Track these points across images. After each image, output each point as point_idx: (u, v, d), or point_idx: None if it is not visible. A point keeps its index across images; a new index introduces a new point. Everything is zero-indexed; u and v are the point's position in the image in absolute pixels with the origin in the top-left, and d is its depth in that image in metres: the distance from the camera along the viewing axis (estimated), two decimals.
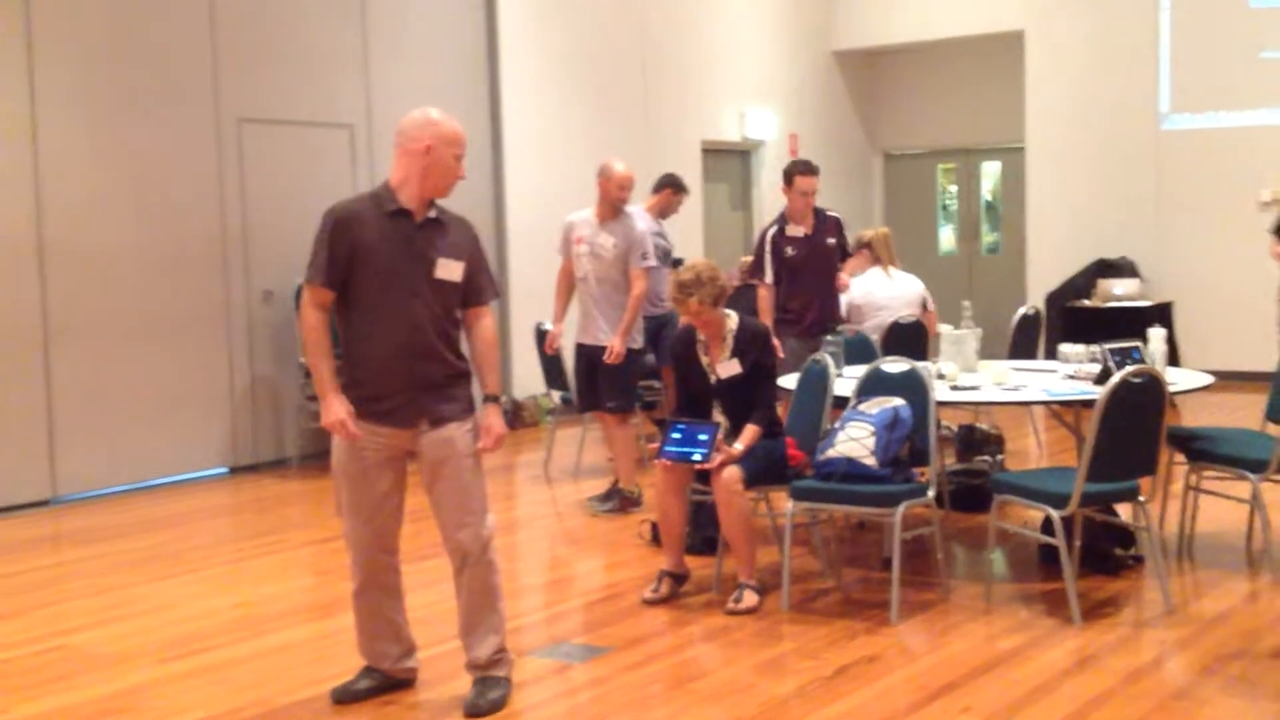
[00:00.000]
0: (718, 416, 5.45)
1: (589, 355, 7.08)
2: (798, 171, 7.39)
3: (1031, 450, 8.39)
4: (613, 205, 7.01)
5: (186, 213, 8.40)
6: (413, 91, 9.37)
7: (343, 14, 9.20)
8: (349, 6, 9.23)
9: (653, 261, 7.14)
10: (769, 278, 7.42)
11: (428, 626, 4.79)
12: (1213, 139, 11.32)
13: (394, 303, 4.02)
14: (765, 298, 7.44)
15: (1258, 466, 5.53)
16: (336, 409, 4.03)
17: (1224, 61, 11.21)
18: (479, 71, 10.00)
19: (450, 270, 4.08)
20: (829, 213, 7.58)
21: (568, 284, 7.21)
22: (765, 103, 12.30)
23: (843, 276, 7.60)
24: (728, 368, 5.41)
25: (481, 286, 4.19)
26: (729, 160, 12.31)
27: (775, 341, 7.26)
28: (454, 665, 4.39)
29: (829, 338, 6.53)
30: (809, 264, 7.39)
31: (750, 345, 5.42)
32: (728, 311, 5.48)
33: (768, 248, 7.44)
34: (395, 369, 4.05)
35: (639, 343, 7.19)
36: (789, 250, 7.40)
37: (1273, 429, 5.71)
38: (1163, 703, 4.13)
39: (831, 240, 7.47)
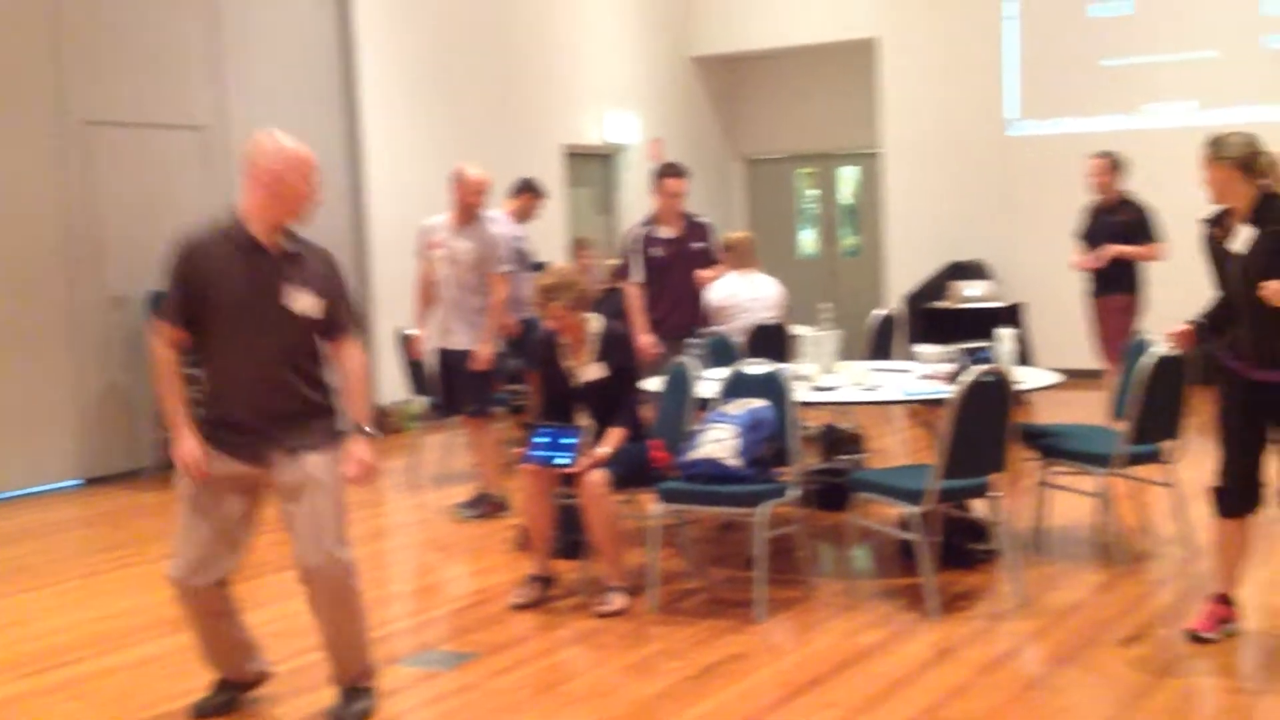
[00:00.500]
0: (582, 420, 5.46)
1: (448, 360, 7.04)
2: (666, 174, 7.47)
3: (892, 449, 8.57)
4: (468, 210, 6.99)
5: (29, 220, 8.12)
6: (267, 93, 9.22)
7: (194, 13, 8.99)
8: (200, 5, 9.02)
9: (509, 267, 7.14)
10: (638, 277, 7.47)
11: (291, 639, 4.72)
12: (1057, 145, 11.69)
13: (246, 338, 3.94)
14: (635, 296, 7.49)
15: (1104, 461, 5.74)
16: (188, 446, 3.94)
17: (1066, 70, 11.60)
18: (335, 72, 9.86)
19: (304, 304, 3.97)
20: (698, 218, 7.66)
21: (427, 289, 7.16)
22: (627, 107, 12.36)
23: (702, 273, 7.64)
24: (591, 371, 5.43)
25: (340, 320, 4.08)
26: (592, 164, 12.35)
27: (649, 338, 7.38)
28: (318, 677, 4.32)
29: (692, 340, 6.60)
30: (675, 266, 7.46)
31: (614, 349, 5.45)
32: (591, 315, 5.50)
33: (635, 248, 7.49)
34: (247, 403, 3.97)
35: (498, 346, 7.17)
36: (655, 251, 7.46)
37: (1118, 425, 5.92)
38: (1017, 692, 4.26)
39: (699, 245, 7.54)
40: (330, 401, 4.09)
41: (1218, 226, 4.59)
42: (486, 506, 7.00)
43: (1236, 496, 4.62)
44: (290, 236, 4.02)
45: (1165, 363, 5.62)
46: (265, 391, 3.97)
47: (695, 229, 7.56)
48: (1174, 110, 11.17)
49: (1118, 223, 8.42)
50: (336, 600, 4.06)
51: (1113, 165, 8.53)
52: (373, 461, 4.09)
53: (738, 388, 5.58)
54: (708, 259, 7.62)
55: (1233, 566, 4.71)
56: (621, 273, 7.65)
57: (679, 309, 7.47)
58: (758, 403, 5.37)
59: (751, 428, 5.28)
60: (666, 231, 7.47)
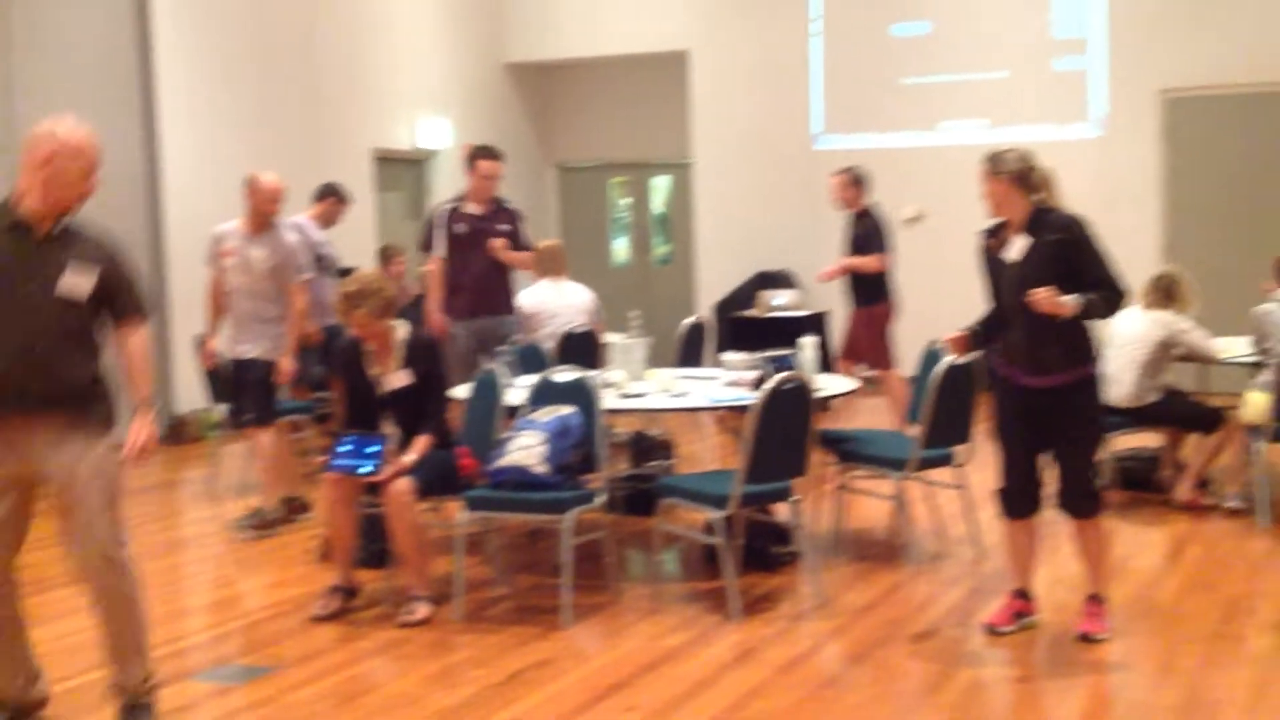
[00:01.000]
0: (388, 428, 5.40)
1: (240, 369, 6.88)
2: (481, 155, 7.51)
3: (700, 454, 8.69)
4: (262, 217, 6.83)
5: None
6: (58, 95, 8.84)
7: None
8: None
9: (308, 274, 7.01)
10: (440, 252, 7.46)
11: (71, 656, 4.54)
12: (861, 159, 11.95)
13: (9, 320, 3.79)
14: (435, 272, 7.52)
15: (900, 465, 5.94)
16: None
17: (869, 86, 11.96)
18: (131, 73, 9.50)
19: (75, 287, 3.84)
20: (509, 203, 7.68)
21: (218, 297, 6.98)
22: (439, 113, 12.26)
23: (498, 244, 7.56)
24: (397, 379, 5.37)
25: (123, 303, 3.97)
26: (403, 169, 12.20)
27: (441, 315, 7.37)
28: (97, 696, 4.16)
29: (502, 348, 6.59)
30: (478, 245, 7.47)
31: (420, 356, 5.40)
32: (396, 322, 5.44)
33: (439, 223, 7.50)
34: (10, 386, 3.81)
35: (300, 354, 7.04)
36: (460, 228, 7.48)
37: (913, 430, 6.12)
38: (814, 690, 4.37)
39: (505, 227, 7.55)
40: (104, 388, 3.96)
41: (994, 238, 4.79)
42: (279, 515, 6.82)
43: (1018, 499, 4.83)
44: (65, 221, 3.89)
45: (955, 370, 5.83)
46: (29, 374, 3.81)
47: (504, 212, 7.58)
48: (969, 128, 11.61)
49: (854, 236, 8.87)
50: (113, 601, 3.93)
51: (852, 180, 8.92)
52: (152, 439, 3.96)
53: (546, 395, 5.59)
54: (515, 244, 7.61)
55: (1024, 564, 4.92)
56: (425, 245, 7.64)
57: (482, 288, 7.49)
58: (566, 410, 5.39)
59: (559, 435, 5.29)
60: (473, 209, 7.49)
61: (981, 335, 4.84)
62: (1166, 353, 6.81)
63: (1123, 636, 4.85)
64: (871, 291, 8.82)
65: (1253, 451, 6.52)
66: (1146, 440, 7.42)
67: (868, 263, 8.71)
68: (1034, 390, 4.68)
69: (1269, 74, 10.57)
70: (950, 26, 11.66)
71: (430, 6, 12.33)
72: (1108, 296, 4.58)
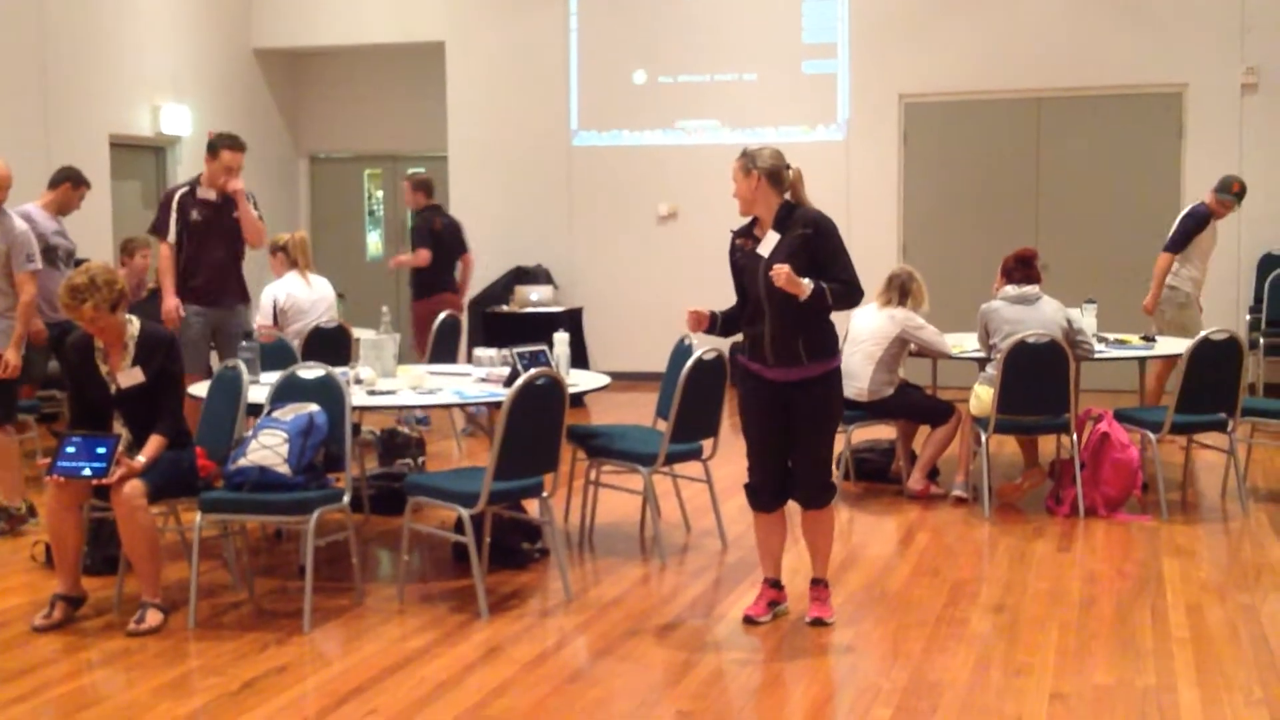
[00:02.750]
0: (119, 428, 5.16)
1: None
2: (224, 145, 7.37)
3: (453, 452, 8.62)
4: None
5: None
6: None
7: None
8: None
9: (38, 264, 6.63)
10: (171, 236, 7.34)
11: None
12: (617, 156, 12.17)
13: None
14: (166, 256, 7.38)
15: (649, 460, 6.01)
16: None
17: (626, 84, 12.09)
18: None
19: None
20: (245, 191, 7.50)
21: None
22: (181, 98, 11.78)
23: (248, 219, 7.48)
24: (129, 376, 5.13)
25: None
26: (143, 156, 11.68)
27: (175, 301, 7.15)
28: None
29: (244, 344, 6.38)
30: (213, 233, 7.33)
31: (154, 352, 5.17)
32: (129, 317, 5.19)
33: (174, 206, 7.34)
34: None
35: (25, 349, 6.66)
36: (195, 214, 7.33)
37: (662, 425, 6.21)
38: (559, 685, 4.39)
39: (238, 212, 7.39)
40: None
41: (745, 237, 4.90)
42: (8, 521, 6.45)
43: (766, 493, 4.96)
44: None
45: (704, 366, 5.95)
46: None
47: (239, 197, 7.41)
48: (721, 128, 11.87)
49: (411, 234, 9.89)
50: None
51: (414, 185, 9.93)
52: None
53: (290, 392, 5.44)
54: (248, 220, 7.47)
55: (775, 554, 5.06)
56: (156, 228, 7.41)
57: (218, 276, 7.38)
58: (311, 407, 5.26)
59: (303, 433, 5.15)
60: (210, 194, 7.32)
61: (720, 323, 4.94)
62: (901, 348, 7.11)
63: (855, 622, 5.04)
64: (423, 286, 9.68)
65: (979, 443, 6.87)
66: (881, 433, 7.73)
67: (414, 259, 9.64)
68: (780, 384, 4.80)
69: (1000, 82, 11.16)
70: (702, 27, 11.88)
71: None
72: (844, 290, 4.71)
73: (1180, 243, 8.41)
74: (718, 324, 4.95)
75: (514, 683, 4.41)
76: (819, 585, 5.03)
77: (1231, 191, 8.37)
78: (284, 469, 5.07)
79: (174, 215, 7.34)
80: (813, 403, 4.81)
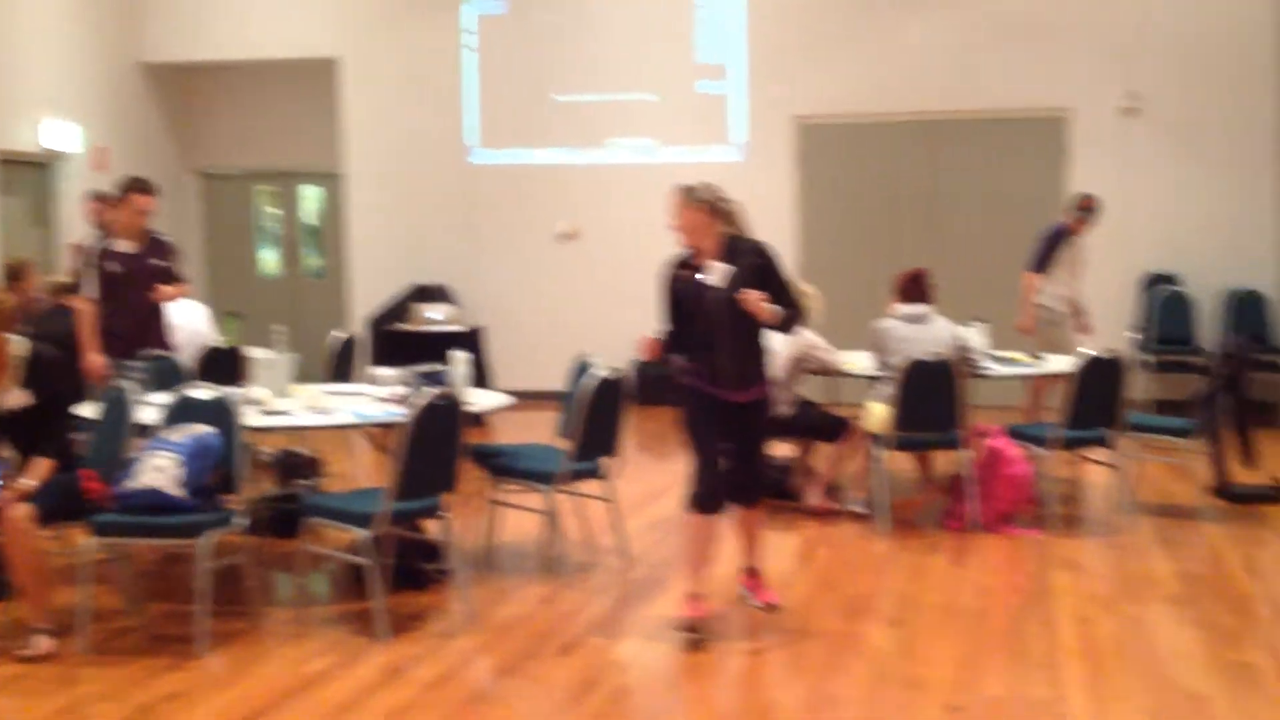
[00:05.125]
0: (4, 451, 5.03)
1: None
2: (135, 189, 7.14)
3: (351, 473, 8.52)
4: None
5: None
6: None
7: None
8: None
9: None
10: (91, 292, 7.11)
11: None
12: (517, 174, 12.15)
13: None
14: (88, 313, 7.13)
15: (550, 479, 6.01)
16: None
17: (522, 102, 12.08)
18: None
19: None
20: (161, 236, 7.33)
21: None
22: (67, 114, 11.51)
23: (163, 289, 7.26)
24: (15, 398, 5.00)
25: None
26: (26, 173, 11.38)
27: (99, 358, 6.95)
28: None
29: (132, 364, 6.26)
30: (134, 283, 7.13)
31: (40, 374, 5.06)
32: (18, 338, 5.07)
33: (90, 261, 7.16)
34: None
35: None
36: (112, 266, 7.12)
37: (564, 443, 6.20)
38: (460, 707, 4.36)
39: (159, 262, 7.22)
40: None
41: (685, 268, 5.10)
42: None
43: (710, 499, 5.12)
44: None
45: (605, 385, 5.97)
46: None
47: (157, 246, 7.24)
48: (620, 147, 11.92)
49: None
50: None
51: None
52: None
53: (183, 413, 5.35)
54: (169, 277, 7.29)
55: (705, 561, 5.19)
56: (75, 288, 7.22)
57: (141, 327, 7.14)
58: (203, 429, 5.17)
59: (196, 455, 5.07)
60: (125, 246, 7.11)
61: (669, 348, 5.21)
62: (799, 367, 7.20)
63: (756, 638, 5.08)
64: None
65: (874, 459, 6.98)
66: (781, 450, 7.80)
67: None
68: (735, 404, 5.09)
69: (893, 105, 11.36)
70: (600, 47, 11.93)
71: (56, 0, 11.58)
72: (790, 317, 5.07)
73: (1041, 261, 8.66)
74: (666, 350, 5.23)
75: (415, 705, 4.37)
76: (755, 573, 5.44)
77: (1083, 208, 8.67)
78: (177, 491, 4.98)
79: (90, 271, 7.12)
80: (759, 418, 5.23)
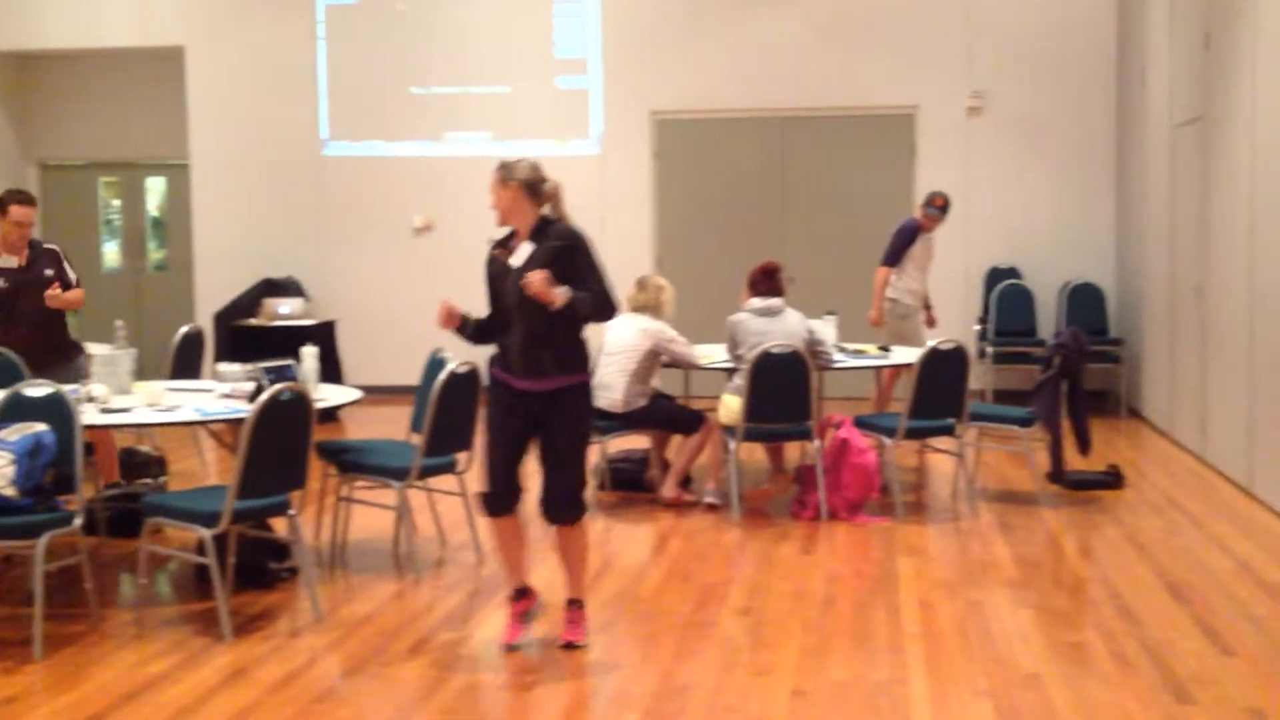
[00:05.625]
0: None
1: None
2: (13, 201, 6.77)
3: (197, 471, 8.33)
4: None
5: None
6: None
7: None
8: None
9: None
10: None
11: None
12: (370, 167, 12.00)
13: None
14: None
15: (402, 474, 5.95)
16: None
17: (378, 94, 11.93)
18: None
19: None
20: (46, 244, 7.00)
21: None
22: None
23: (56, 294, 6.95)
24: None
25: None
26: None
27: None
28: None
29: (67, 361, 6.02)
30: (24, 295, 6.79)
31: None
32: None
33: None
34: None
35: None
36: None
37: (416, 438, 6.16)
38: (306, 706, 4.30)
39: (49, 271, 6.88)
40: None
41: (503, 248, 4.89)
42: None
43: (498, 498, 4.87)
44: None
45: (456, 378, 5.93)
46: None
47: (44, 256, 6.89)
48: (475, 140, 11.85)
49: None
50: None
51: None
52: None
53: (17, 411, 5.16)
54: (63, 285, 6.97)
55: (516, 560, 4.97)
56: None
57: (42, 343, 6.80)
58: (38, 427, 5.01)
59: (30, 454, 4.91)
60: (10, 260, 6.78)
61: (473, 330, 4.89)
62: (654, 360, 7.25)
63: (608, 629, 5.11)
64: None
65: (728, 451, 7.07)
66: (636, 442, 7.86)
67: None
68: (527, 394, 4.78)
69: (747, 101, 11.51)
70: (458, 39, 11.84)
71: None
72: (596, 302, 4.71)
73: (894, 256, 8.86)
74: (469, 328, 4.89)
75: (259, 705, 4.30)
76: (573, 606, 4.95)
77: (935, 205, 8.89)
78: (10, 491, 4.84)
79: None
80: (560, 415, 4.77)
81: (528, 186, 4.76)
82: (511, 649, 4.89)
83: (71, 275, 7.02)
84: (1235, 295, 7.62)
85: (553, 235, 4.76)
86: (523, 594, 5.00)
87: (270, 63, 11.96)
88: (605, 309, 4.78)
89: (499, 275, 4.85)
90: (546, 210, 4.82)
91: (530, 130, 11.74)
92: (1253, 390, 7.27)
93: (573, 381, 4.80)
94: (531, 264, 4.70)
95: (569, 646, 4.87)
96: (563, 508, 4.83)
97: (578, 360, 4.82)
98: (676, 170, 11.74)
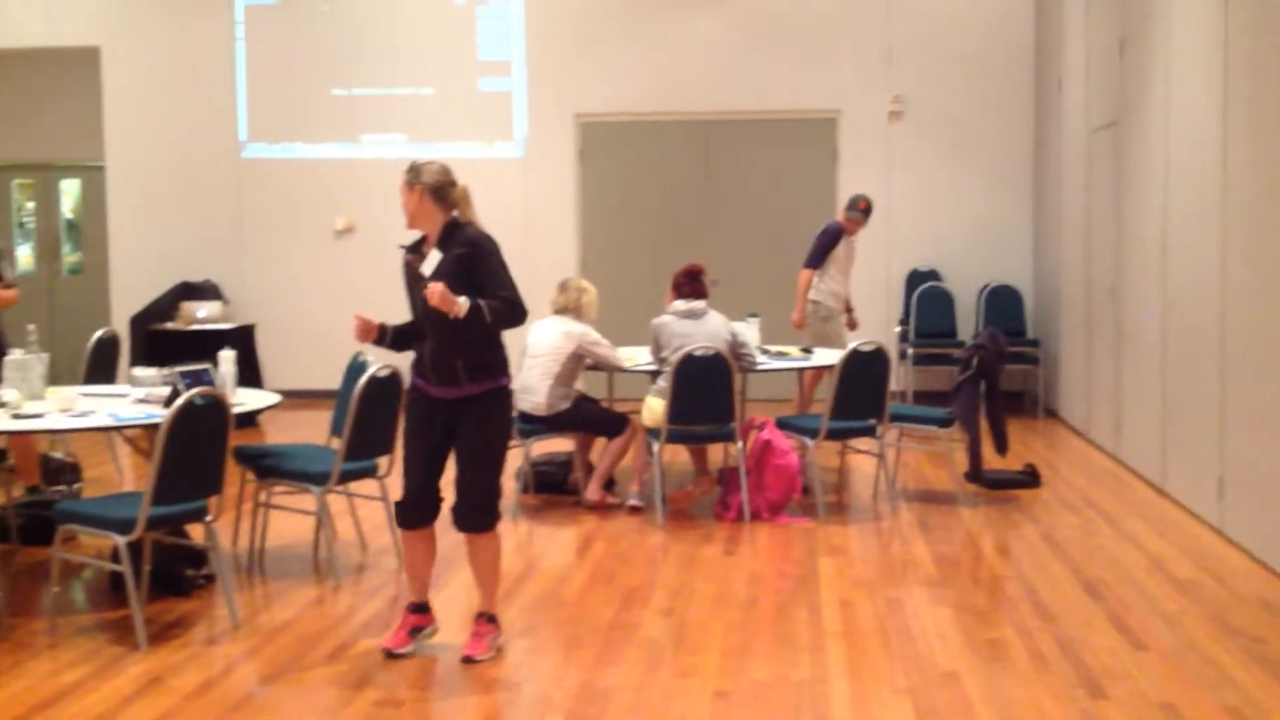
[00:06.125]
0: None
1: None
2: None
3: (113, 477, 8.19)
4: None
5: None
6: None
7: None
8: None
9: None
10: None
11: None
12: (290, 169, 11.87)
13: None
14: None
15: (322, 479, 5.89)
16: None
17: (298, 95, 11.81)
18: None
19: None
20: None
21: None
22: None
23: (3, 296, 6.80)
24: None
25: None
26: None
27: None
28: None
29: None
30: None
31: None
32: None
33: None
34: None
35: None
36: None
37: (336, 443, 6.09)
38: (223, 715, 4.24)
39: None
40: None
41: (415, 253, 4.85)
42: None
43: (413, 509, 4.83)
44: None
45: (376, 381, 5.87)
46: None
47: None
48: (397, 143, 11.77)
49: None
50: None
51: None
52: None
53: None
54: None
55: (421, 575, 4.92)
56: None
57: None
58: None
59: None
60: None
61: (392, 338, 4.85)
62: (578, 363, 7.24)
63: (531, 632, 5.09)
64: None
65: (651, 453, 7.08)
66: (559, 445, 7.84)
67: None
68: (442, 402, 4.74)
69: (671, 104, 11.54)
70: (380, 41, 11.76)
71: None
72: (504, 309, 4.63)
73: (817, 258, 8.93)
74: (388, 337, 4.85)
75: (175, 713, 4.23)
76: (480, 619, 4.86)
77: (858, 209, 8.97)
78: None
79: None
80: (473, 422, 4.71)
81: (434, 190, 4.70)
82: (390, 655, 4.80)
83: (8, 274, 6.88)
84: (1149, 297, 7.77)
85: (459, 241, 4.69)
86: (421, 609, 4.92)
87: (188, 63, 11.79)
88: (513, 316, 4.69)
89: (412, 282, 4.80)
90: (455, 214, 4.76)
91: (453, 133, 11.68)
92: (1165, 391, 7.42)
93: (486, 388, 4.74)
94: (439, 272, 4.65)
95: (468, 660, 4.75)
96: (473, 516, 4.76)
97: (492, 367, 4.76)
98: (600, 173, 11.74)
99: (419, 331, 4.82)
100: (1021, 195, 11.45)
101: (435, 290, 4.50)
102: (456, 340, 4.65)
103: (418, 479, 4.80)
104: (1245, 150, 6.14)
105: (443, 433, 4.77)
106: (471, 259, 4.66)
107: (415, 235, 4.89)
